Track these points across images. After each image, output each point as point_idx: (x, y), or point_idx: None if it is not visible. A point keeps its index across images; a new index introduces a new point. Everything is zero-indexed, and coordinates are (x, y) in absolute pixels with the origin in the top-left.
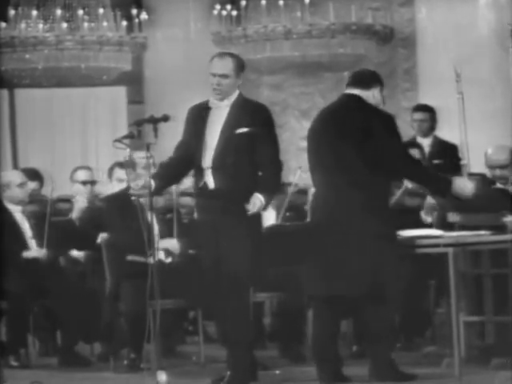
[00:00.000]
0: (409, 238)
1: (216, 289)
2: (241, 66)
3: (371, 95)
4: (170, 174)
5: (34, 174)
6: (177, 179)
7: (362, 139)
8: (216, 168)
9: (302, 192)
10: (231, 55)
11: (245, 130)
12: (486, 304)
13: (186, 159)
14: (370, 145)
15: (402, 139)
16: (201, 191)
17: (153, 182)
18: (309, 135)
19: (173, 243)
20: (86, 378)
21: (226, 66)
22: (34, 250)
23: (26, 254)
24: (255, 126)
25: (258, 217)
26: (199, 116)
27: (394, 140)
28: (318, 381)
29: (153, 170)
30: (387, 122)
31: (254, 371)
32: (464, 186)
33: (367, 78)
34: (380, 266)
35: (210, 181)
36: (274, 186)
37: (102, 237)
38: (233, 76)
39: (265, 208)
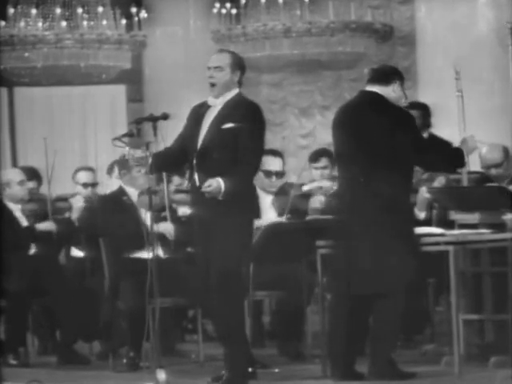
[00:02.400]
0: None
1: (208, 287)
2: (238, 63)
3: (391, 91)
4: (167, 157)
5: (32, 173)
6: (172, 166)
7: (379, 137)
8: (200, 164)
9: (305, 196)
10: (229, 52)
11: (230, 125)
12: (486, 302)
13: (180, 151)
14: (389, 142)
15: (421, 134)
16: (190, 188)
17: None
18: (332, 133)
19: (168, 227)
20: (85, 376)
21: (222, 59)
22: (45, 223)
23: (39, 226)
24: (242, 122)
25: (246, 214)
26: (198, 114)
27: (413, 136)
28: (317, 379)
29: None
30: (405, 118)
31: (253, 370)
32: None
33: (386, 74)
34: (396, 264)
35: (196, 177)
36: (239, 180)
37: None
38: (228, 71)
39: (223, 196)
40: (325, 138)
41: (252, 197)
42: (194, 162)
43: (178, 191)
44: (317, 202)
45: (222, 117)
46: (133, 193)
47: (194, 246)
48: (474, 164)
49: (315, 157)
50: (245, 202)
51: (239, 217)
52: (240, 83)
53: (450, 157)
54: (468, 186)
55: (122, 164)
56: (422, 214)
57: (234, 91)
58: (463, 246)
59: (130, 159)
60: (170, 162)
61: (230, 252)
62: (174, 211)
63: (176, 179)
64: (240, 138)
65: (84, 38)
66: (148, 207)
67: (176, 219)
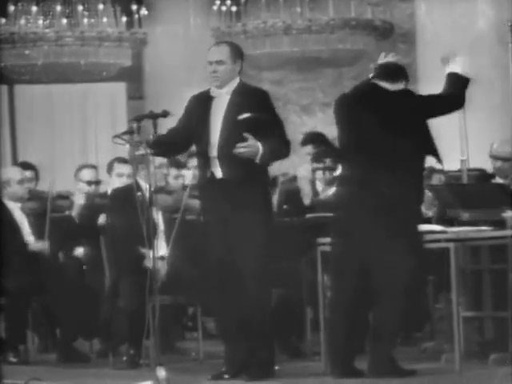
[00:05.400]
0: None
1: (220, 282)
2: (237, 53)
3: (396, 88)
4: (169, 143)
5: (28, 166)
6: (170, 153)
7: (384, 130)
8: (222, 157)
9: (293, 179)
10: (227, 42)
11: (246, 115)
12: (485, 299)
13: (184, 140)
14: (400, 128)
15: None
16: (207, 181)
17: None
18: (337, 120)
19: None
20: (85, 374)
21: (222, 52)
22: (38, 243)
23: (31, 247)
24: (257, 110)
25: (269, 207)
26: (202, 105)
27: (423, 99)
28: (317, 376)
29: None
30: (408, 95)
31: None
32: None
33: (393, 71)
34: (398, 261)
35: (217, 170)
36: (278, 148)
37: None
38: (229, 62)
39: (260, 160)
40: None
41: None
42: (214, 155)
43: (190, 196)
44: (303, 180)
45: (235, 107)
46: (147, 189)
47: (209, 240)
48: (474, 161)
49: (318, 157)
50: (264, 197)
51: (260, 211)
52: (241, 71)
53: (458, 83)
54: (468, 183)
55: (140, 159)
56: (429, 213)
57: (237, 80)
58: (463, 244)
59: (131, 158)
60: (169, 149)
61: (253, 248)
62: (184, 213)
63: (173, 171)
64: (264, 127)
65: (84, 35)
66: (149, 203)
67: (185, 222)
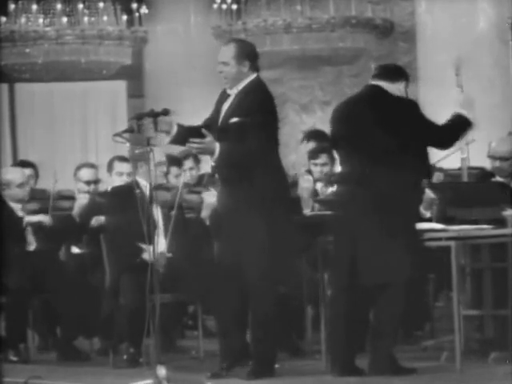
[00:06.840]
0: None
1: (227, 284)
2: (245, 52)
3: (396, 89)
4: (191, 134)
5: (27, 164)
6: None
7: (384, 131)
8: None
9: (294, 184)
10: (236, 41)
11: (236, 119)
12: (486, 298)
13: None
14: (394, 136)
15: (428, 120)
16: (212, 180)
17: (175, 128)
18: (332, 125)
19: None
20: (86, 372)
21: (226, 53)
22: (39, 215)
23: (29, 219)
24: (248, 115)
25: (267, 207)
26: (221, 100)
27: (422, 122)
28: (317, 375)
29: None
30: (409, 109)
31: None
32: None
33: (394, 72)
34: (398, 258)
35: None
36: (240, 155)
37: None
38: (233, 64)
39: (216, 162)
40: None
41: (278, 190)
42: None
43: (189, 191)
44: (304, 190)
45: (232, 109)
46: (147, 186)
47: (215, 238)
48: (474, 159)
49: (315, 153)
50: (270, 196)
51: (256, 210)
52: (254, 69)
53: (460, 125)
54: (469, 181)
55: (140, 157)
56: (427, 214)
57: (249, 79)
58: (463, 242)
59: (131, 156)
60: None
61: (252, 247)
62: (181, 210)
63: (174, 170)
64: (247, 131)
65: (85, 33)
66: (149, 200)
67: (183, 219)
